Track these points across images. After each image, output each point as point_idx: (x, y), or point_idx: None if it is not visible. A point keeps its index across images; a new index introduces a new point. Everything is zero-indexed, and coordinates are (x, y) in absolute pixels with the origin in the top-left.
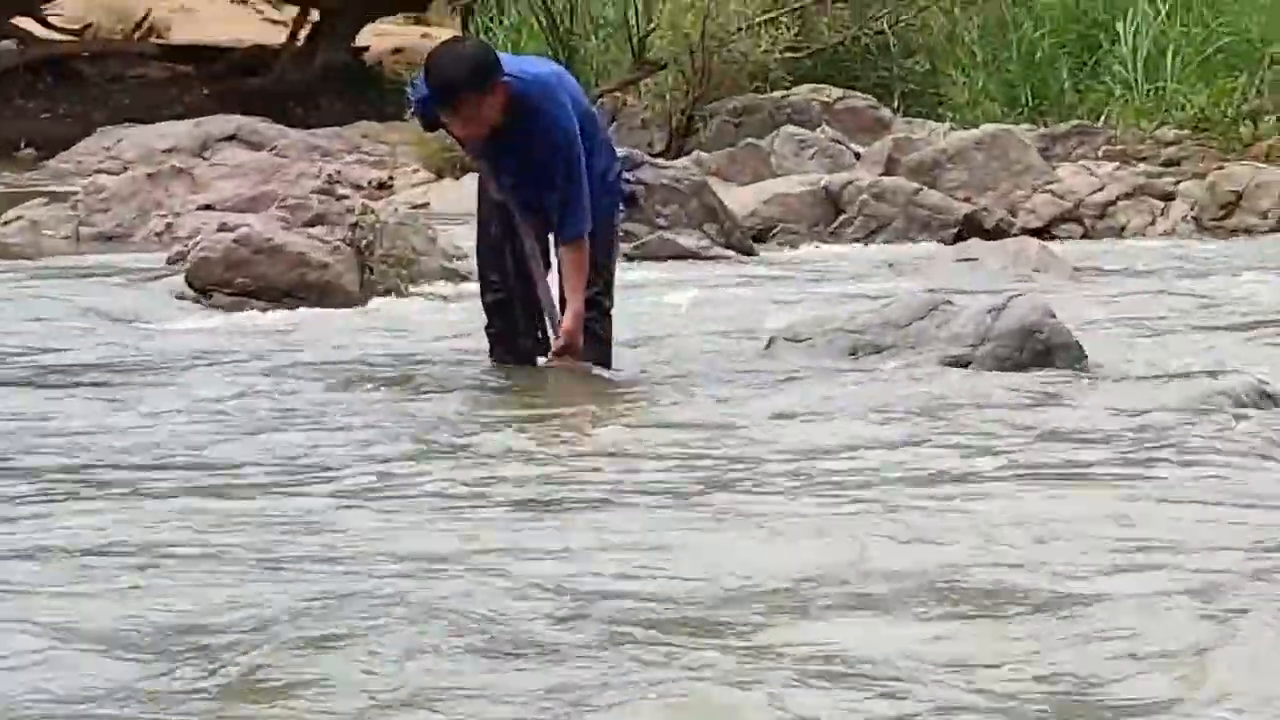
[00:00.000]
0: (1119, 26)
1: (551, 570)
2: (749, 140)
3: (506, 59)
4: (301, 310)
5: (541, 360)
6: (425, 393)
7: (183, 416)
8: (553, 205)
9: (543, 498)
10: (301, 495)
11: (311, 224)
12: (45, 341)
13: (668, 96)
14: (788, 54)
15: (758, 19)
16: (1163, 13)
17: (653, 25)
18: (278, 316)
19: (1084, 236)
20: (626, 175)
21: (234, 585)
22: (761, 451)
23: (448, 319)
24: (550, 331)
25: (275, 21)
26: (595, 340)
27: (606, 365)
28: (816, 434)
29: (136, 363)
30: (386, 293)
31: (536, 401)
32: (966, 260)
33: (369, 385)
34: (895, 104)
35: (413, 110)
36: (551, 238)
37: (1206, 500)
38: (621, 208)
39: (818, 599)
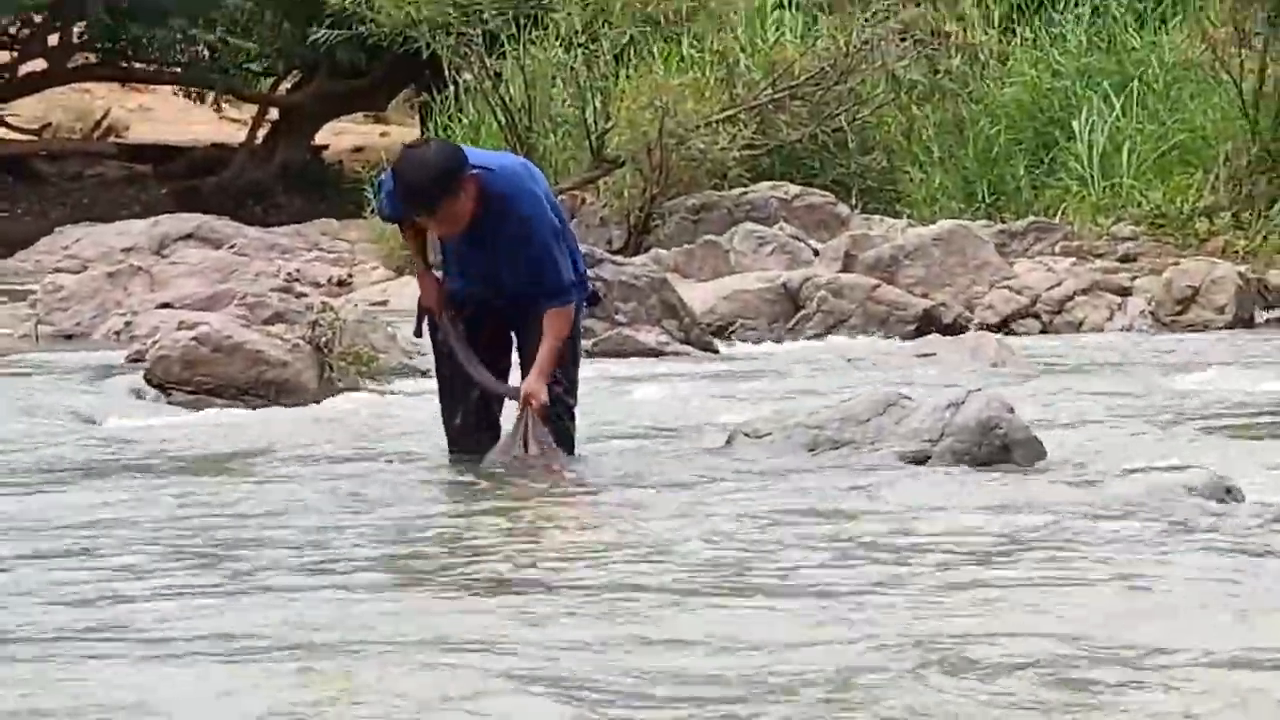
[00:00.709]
0: (1074, 123)
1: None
2: (708, 237)
3: (472, 152)
4: (260, 409)
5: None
6: (384, 489)
7: (127, 512)
8: (525, 285)
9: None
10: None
11: (270, 321)
12: None
13: (626, 194)
14: (746, 151)
15: (716, 117)
16: (1118, 110)
17: (610, 123)
18: (236, 414)
19: (1042, 332)
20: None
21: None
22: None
23: (408, 415)
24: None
25: (234, 120)
26: (563, 437)
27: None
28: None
29: (88, 461)
30: (345, 390)
31: (496, 495)
32: (924, 356)
33: (324, 481)
34: (853, 200)
35: (378, 209)
36: (516, 339)
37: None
38: (585, 306)
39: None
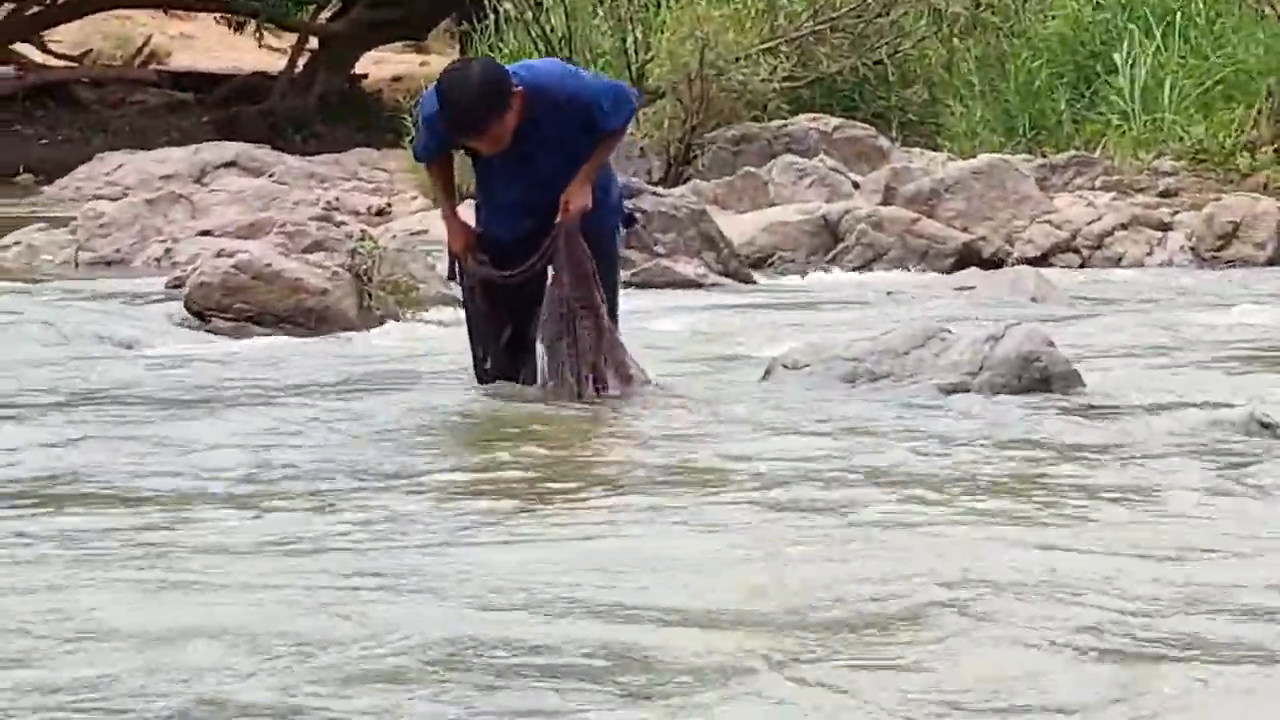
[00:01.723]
0: (1116, 57)
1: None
2: (747, 169)
3: (510, 67)
4: (299, 336)
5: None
6: (425, 418)
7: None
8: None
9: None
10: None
11: (310, 250)
12: (39, 368)
13: (666, 125)
14: (786, 83)
15: (756, 48)
16: (1159, 43)
17: (651, 54)
18: (275, 342)
19: (1081, 266)
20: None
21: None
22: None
23: (445, 345)
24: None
25: (274, 48)
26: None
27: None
28: (784, 447)
29: (127, 386)
30: (384, 319)
31: (531, 428)
32: (964, 289)
33: (357, 411)
34: (893, 133)
35: (414, 149)
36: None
37: (1196, 532)
38: (622, 228)
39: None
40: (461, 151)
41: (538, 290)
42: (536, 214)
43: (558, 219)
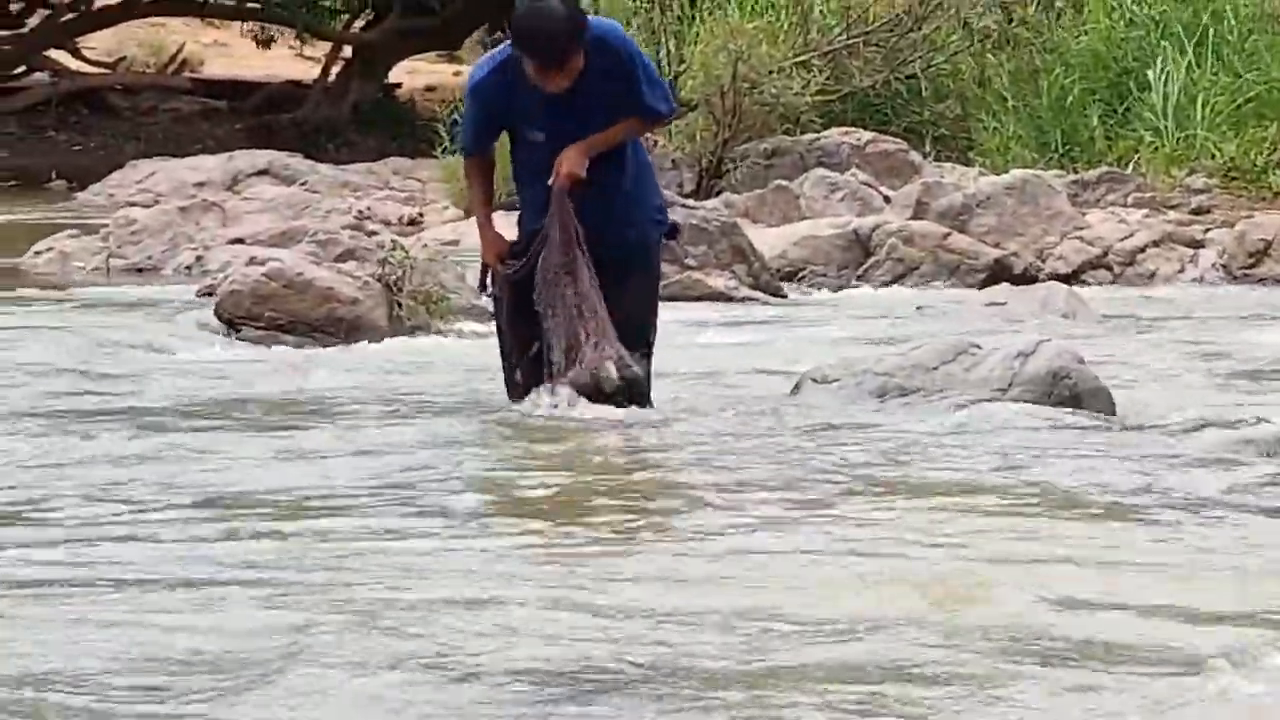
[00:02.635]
0: (1149, 74)
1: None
2: (779, 182)
3: None
4: (330, 346)
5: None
6: (451, 430)
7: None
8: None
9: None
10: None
11: (341, 259)
12: (70, 374)
13: (698, 137)
14: (819, 97)
15: (789, 61)
16: (1192, 61)
17: (684, 66)
18: (306, 351)
19: (1112, 283)
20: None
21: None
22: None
23: (476, 357)
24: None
25: (308, 58)
26: (639, 379)
27: (644, 402)
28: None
29: (157, 395)
30: (415, 329)
31: (560, 443)
32: (995, 305)
33: (392, 421)
34: (926, 148)
35: (462, 141)
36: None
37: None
38: (665, 240)
39: None
40: (505, 135)
41: None
42: (582, 196)
43: (550, 181)
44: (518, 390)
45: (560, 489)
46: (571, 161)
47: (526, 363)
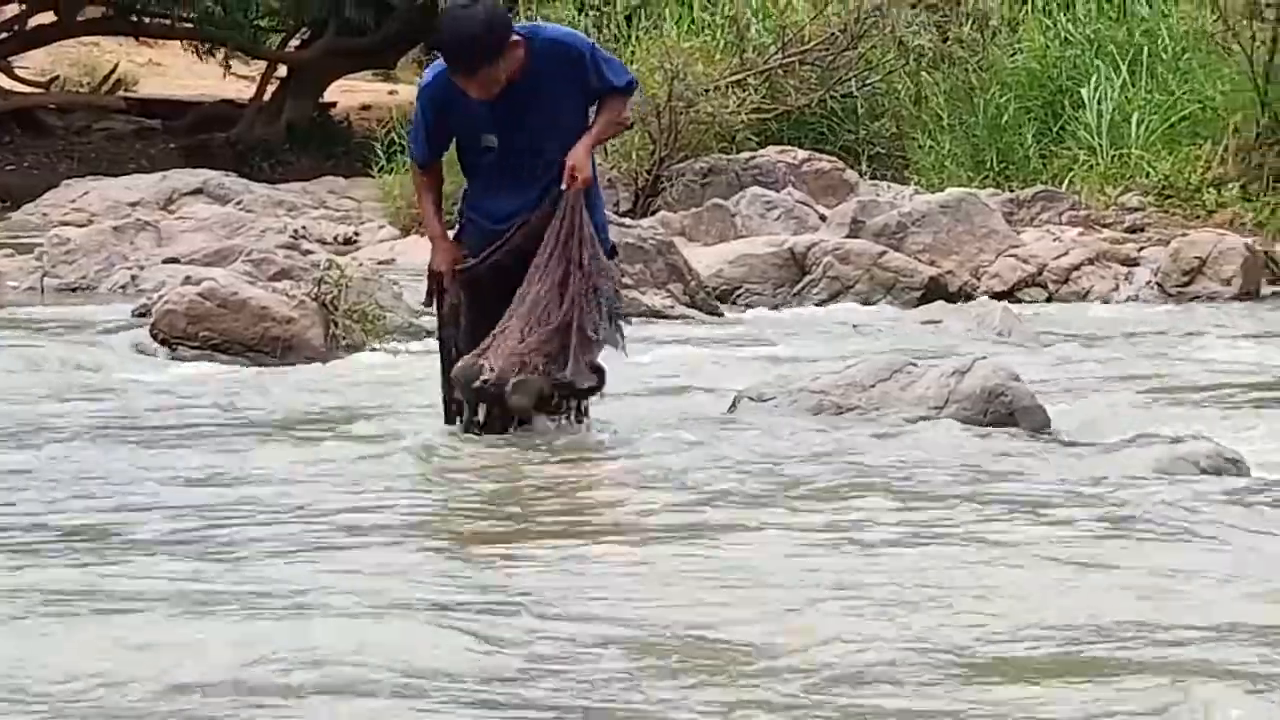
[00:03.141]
0: (1083, 92)
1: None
2: (715, 201)
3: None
4: (265, 365)
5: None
6: (386, 447)
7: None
8: (573, 136)
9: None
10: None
11: (276, 278)
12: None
13: (634, 156)
14: (755, 115)
15: (725, 80)
16: (1126, 80)
17: None
18: (240, 370)
19: (1048, 301)
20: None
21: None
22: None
23: (411, 375)
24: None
25: (243, 76)
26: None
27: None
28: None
29: (90, 414)
30: (351, 348)
31: (496, 459)
32: (930, 323)
33: (326, 441)
34: (862, 166)
35: (411, 152)
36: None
37: (1159, 564)
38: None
39: None
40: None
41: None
42: (531, 202)
43: (564, 186)
44: (454, 410)
45: (434, 509)
46: (582, 163)
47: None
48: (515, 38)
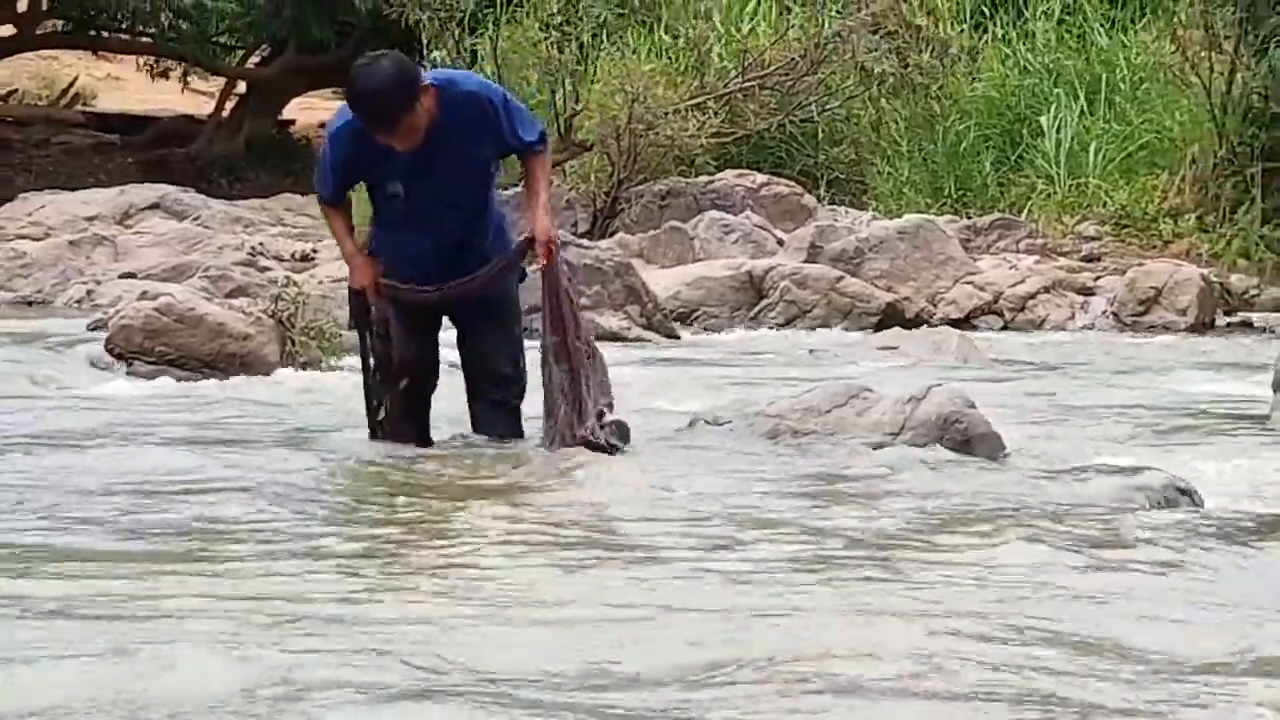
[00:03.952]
0: (1042, 121)
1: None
2: (673, 223)
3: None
4: (220, 380)
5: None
6: (333, 464)
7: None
8: (482, 196)
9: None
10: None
11: (233, 295)
12: None
13: (593, 177)
14: (714, 139)
15: (685, 104)
16: (1084, 109)
17: (580, 106)
18: (195, 386)
19: (1004, 328)
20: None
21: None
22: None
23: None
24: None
25: (202, 92)
26: (514, 417)
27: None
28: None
29: (43, 427)
30: (306, 365)
31: (450, 472)
32: (887, 349)
33: (277, 457)
34: (821, 191)
35: (318, 188)
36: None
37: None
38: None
39: None
40: (364, 187)
41: (434, 345)
42: (441, 251)
43: (534, 265)
44: (380, 430)
45: (414, 523)
46: (546, 232)
47: (396, 395)
48: (426, 84)
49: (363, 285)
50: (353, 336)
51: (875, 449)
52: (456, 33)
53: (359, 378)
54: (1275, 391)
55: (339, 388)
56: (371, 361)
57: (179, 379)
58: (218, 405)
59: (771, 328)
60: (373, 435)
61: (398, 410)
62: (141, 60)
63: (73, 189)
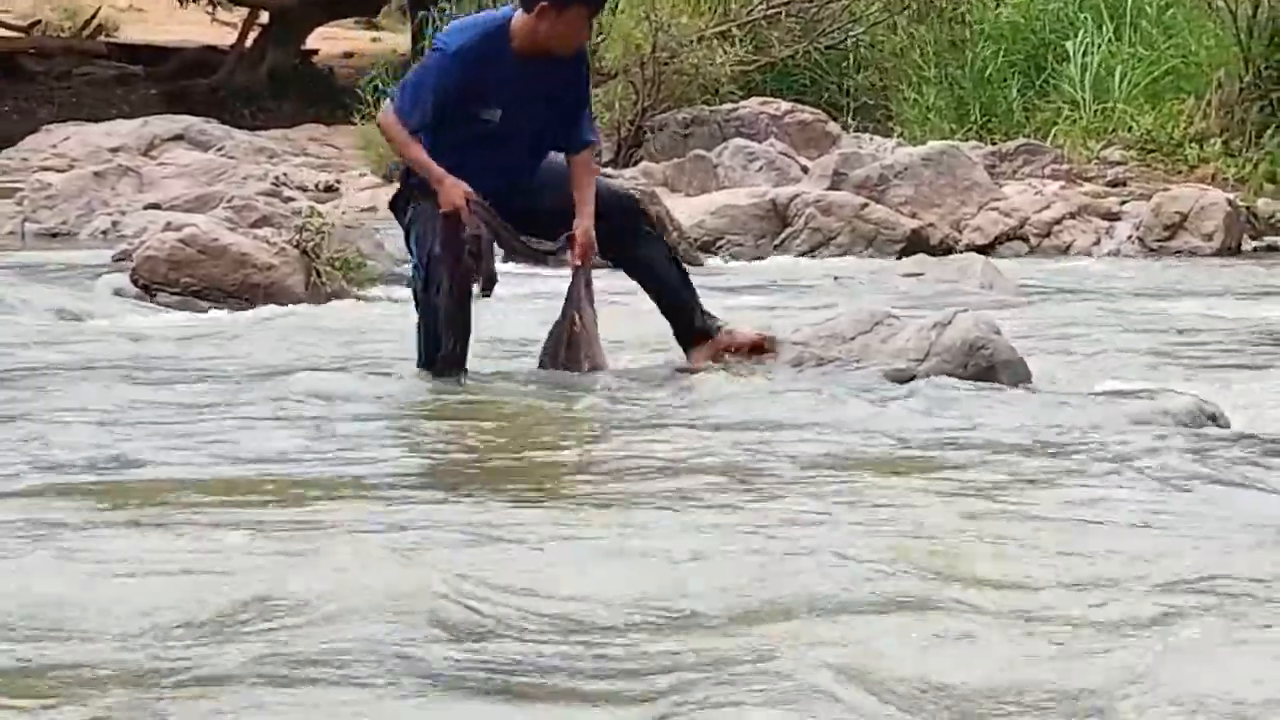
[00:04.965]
0: (1067, 46)
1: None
2: (697, 152)
3: None
4: (245, 311)
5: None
6: (370, 394)
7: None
8: (566, 128)
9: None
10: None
11: (257, 225)
12: None
13: (617, 106)
14: (738, 67)
15: (709, 32)
16: (1111, 33)
17: (604, 36)
18: (220, 316)
19: (1029, 254)
20: None
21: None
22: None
23: (393, 323)
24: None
25: (225, 23)
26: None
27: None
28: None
29: (68, 359)
30: (332, 296)
31: (483, 406)
32: (912, 275)
33: (295, 388)
34: (846, 119)
35: (407, 114)
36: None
37: (1132, 520)
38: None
39: None
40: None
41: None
42: (507, 177)
43: (574, 260)
44: (450, 365)
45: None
46: (587, 234)
47: (468, 338)
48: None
49: (457, 206)
50: (377, 267)
51: (897, 377)
52: None
53: (388, 307)
54: None
55: (374, 317)
56: (447, 285)
57: (204, 309)
58: (258, 335)
59: (796, 255)
60: (428, 367)
61: (461, 352)
62: None
63: (96, 120)
